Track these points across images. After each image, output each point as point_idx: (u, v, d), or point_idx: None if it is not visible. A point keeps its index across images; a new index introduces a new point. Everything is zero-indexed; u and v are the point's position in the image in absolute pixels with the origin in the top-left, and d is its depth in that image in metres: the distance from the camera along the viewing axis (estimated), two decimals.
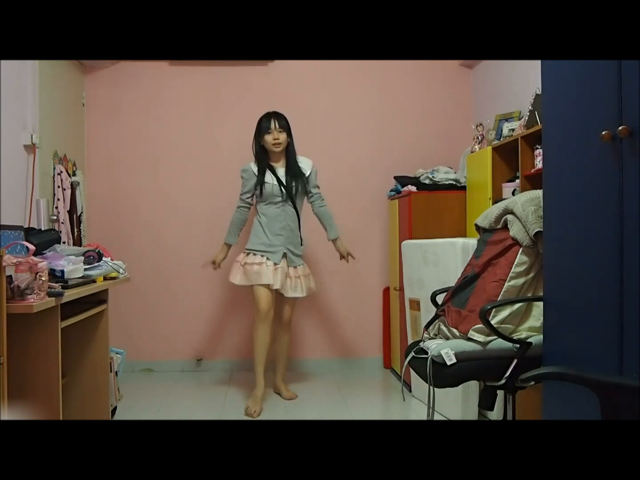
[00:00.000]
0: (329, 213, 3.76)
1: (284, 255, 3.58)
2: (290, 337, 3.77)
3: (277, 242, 3.57)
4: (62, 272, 2.46)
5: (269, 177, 3.59)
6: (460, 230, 3.76)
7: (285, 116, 3.65)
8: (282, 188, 3.58)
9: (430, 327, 2.51)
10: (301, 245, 3.71)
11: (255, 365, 3.56)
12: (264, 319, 3.51)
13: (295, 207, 3.63)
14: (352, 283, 4.48)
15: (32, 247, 2.21)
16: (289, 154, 3.67)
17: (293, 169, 3.64)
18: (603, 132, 1.60)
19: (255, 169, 3.63)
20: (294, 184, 3.61)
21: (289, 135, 3.66)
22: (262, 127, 3.62)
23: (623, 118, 1.55)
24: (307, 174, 3.68)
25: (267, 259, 3.53)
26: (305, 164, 3.71)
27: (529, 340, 2.19)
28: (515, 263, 2.29)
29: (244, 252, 3.62)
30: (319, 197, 3.74)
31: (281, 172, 3.63)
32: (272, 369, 3.82)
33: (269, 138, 3.59)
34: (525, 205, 2.30)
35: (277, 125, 3.60)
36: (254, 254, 3.56)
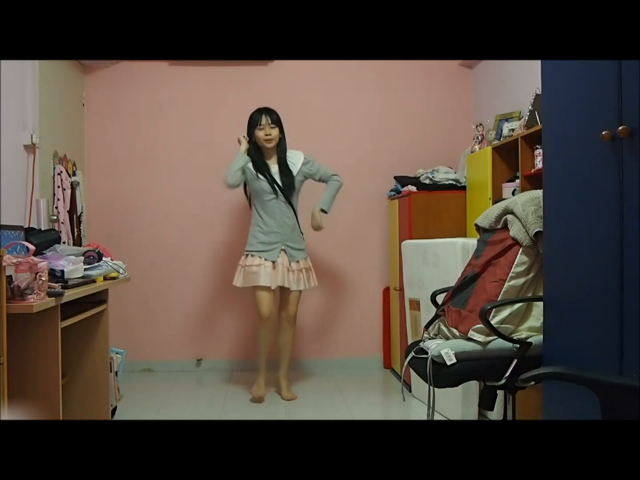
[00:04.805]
0: (336, 187, 3.74)
1: (284, 252, 3.60)
2: (295, 331, 3.78)
3: (273, 239, 3.59)
4: (62, 272, 2.46)
5: (262, 174, 3.61)
6: (460, 230, 3.76)
7: (276, 111, 3.66)
8: (275, 185, 3.60)
9: (430, 327, 2.51)
10: (303, 239, 3.73)
11: (258, 362, 3.71)
12: (266, 321, 3.60)
13: (290, 203, 3.64)
14: (352, 283, 4.48)
15: (32, 247, 2.21)
16: (281, 150, 3.68)
17: (285, 165, 3.65)
18: (603, 132, 1.60)
19: (250, 166, 3.63)
20: (286, 180, 3.62)
21: (281, 131, 3.66)
22: (252, 123, 3.63)
23: (623, 118, 1.55)
24: (297, 169, 3.67)
25: (265, 259, 3.56)
26: (295, 158, 3.71)
27: (529, 340, 2.19)
28: (515, 263, 2.29)
29: (244, 255, 3.66)
30: (330, 175, 3.74)
31: (274, 168, 3.65)
32: (274, 367, 3.82)
33: (260, 134, 3.60)
34: (525, 205, 2.30)
35: (269, 121, 3.60)
36: (252, 255, 3.60)
